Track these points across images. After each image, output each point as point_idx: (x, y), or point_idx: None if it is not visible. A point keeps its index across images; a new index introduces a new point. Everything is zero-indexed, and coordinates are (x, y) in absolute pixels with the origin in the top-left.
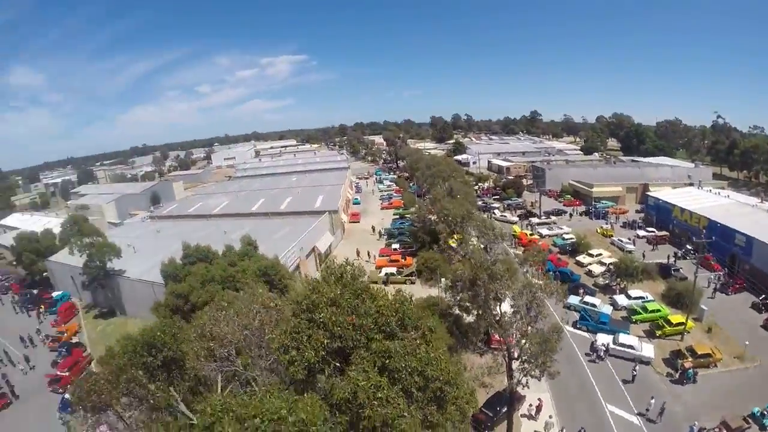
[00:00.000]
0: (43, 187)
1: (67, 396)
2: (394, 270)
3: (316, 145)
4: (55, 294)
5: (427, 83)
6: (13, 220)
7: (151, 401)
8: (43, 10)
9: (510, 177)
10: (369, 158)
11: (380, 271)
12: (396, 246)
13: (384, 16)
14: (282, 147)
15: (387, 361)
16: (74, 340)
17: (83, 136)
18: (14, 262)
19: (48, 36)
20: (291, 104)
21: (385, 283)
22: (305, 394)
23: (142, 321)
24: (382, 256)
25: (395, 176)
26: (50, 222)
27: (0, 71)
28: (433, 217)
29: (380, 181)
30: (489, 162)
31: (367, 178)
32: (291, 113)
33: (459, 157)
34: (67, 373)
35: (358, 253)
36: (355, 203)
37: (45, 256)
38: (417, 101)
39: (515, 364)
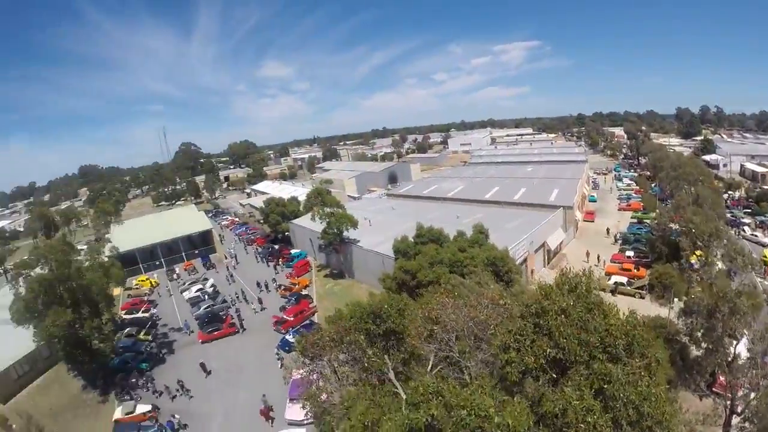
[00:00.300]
0: (291, 160)
1: (288, 337)
2: (624, 279)
3: (553, 135)
4: (293, 251)
5: (670, 68)
6: (264, 186)
7: (366, 364)
8: (286, 10)
9: (766, 187)
10: (608, 152)
11: (609, 278)
12: (630, 253)
13: None
14: (518, 135)
15: (605, 386)
16: (303, 292)
17: (328, 119)
18: (262, 221)
19: (292, 34)
20: (526, 92)
21: (613, 292)
22: (514, 398)
23: (367, 287)
24: (614, 262)
25: (635, 174)
26: (296, 191)
27: (255, 66)
28: (675, 227)
29: (619, 179)
30: (741, 166)
31: (605, 174)
32: (526, 100)
33: (707, 158)
34: (291, 318)
35: (587, 255)
36: (590, 200)
37: (288, 219)
38: (659, 89)
39: (735, 420)
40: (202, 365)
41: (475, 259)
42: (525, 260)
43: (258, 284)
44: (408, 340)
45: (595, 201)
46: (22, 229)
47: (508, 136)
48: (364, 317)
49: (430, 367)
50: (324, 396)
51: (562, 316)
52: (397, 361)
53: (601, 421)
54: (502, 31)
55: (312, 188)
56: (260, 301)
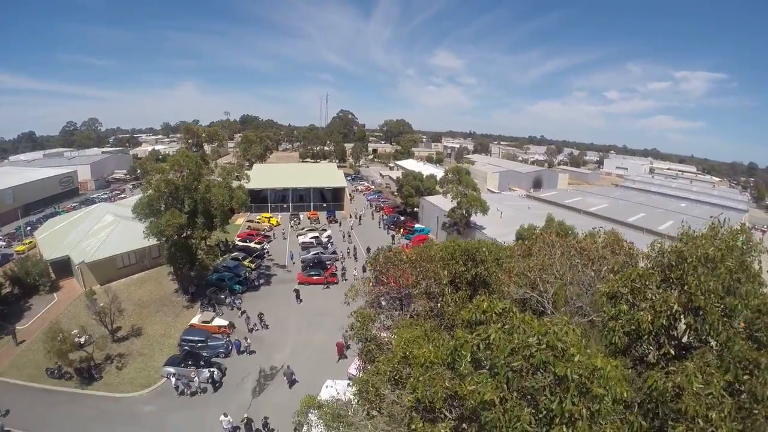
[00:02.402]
0: (441, 147)
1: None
2: None
3: (717, 179)
4: (416, 226)
5: None
6: (408, 163)
7: (439, 304)
8: (468, 3)
9: None
10: None
11: None
12: None
13: None
14: (679, 171)
15: (746, 377)
16: None
17: (488, 117)
18: (395, 192)
19: (469, 28)
20: (701, 128)
21: None
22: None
23: None
24: None
25: None
26: (437, 172)
27: (428, 53)
28: None
29: None
30: None
31: (764, 232)
32: (699, 137)
33: None
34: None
35: None
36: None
37: (421, 194)
38: None
39: None
40: (296, 291)
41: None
42: None
43: (368, 250)
44: (497, 286)
45: None
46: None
47: (669, 169)
48: (456, 255)
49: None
50: (378, 325)
51: (705, 266)
52: None
53: (728, 424)
54: (687, 56)
55: (452, 166)
56: (364, 269)
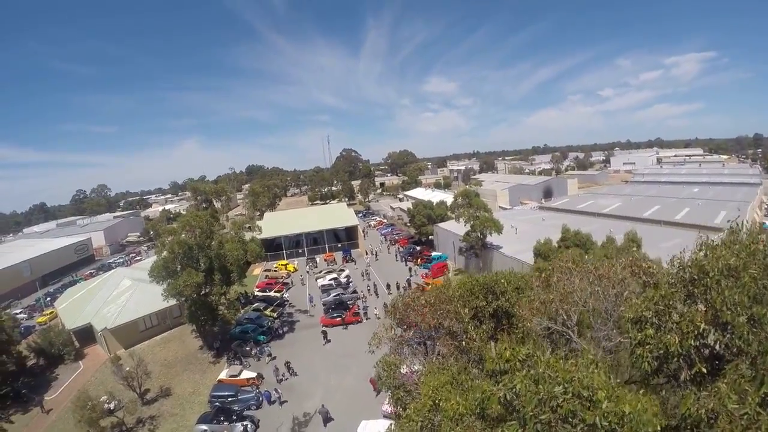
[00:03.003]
0: (447, 171)
1: None
2: None
3: (725, 157)
4: (434, 254)
5: None
6: (417, 192)
7: (464, 344)
8: (452, 28)
9: None
10: None
11: None
12: None
13: None
14: (686, 156)
15: None
16: None
17: (488, 135)
18: (408, 223)
19: (457, 51)
20: (698, 109)
21: None
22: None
23: None
24: None
25: None
26: (446, 197)
27: (420, 81)
28: None
29: None
30: None
31: None
32: (698, 119)
33: None
34: None
35: None
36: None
37: (434, 222)
38: None
39: None
40: (324, 333)
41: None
42: None
43: (388, 286)
44: (519, 313)
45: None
46: (184, 212)
47: (675, 156)
48: (475, 290)
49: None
50: (404, 369)
51: (731, 278)
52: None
53: None
54: (674, 42)
55: (460, 189)
56: (385, 307)
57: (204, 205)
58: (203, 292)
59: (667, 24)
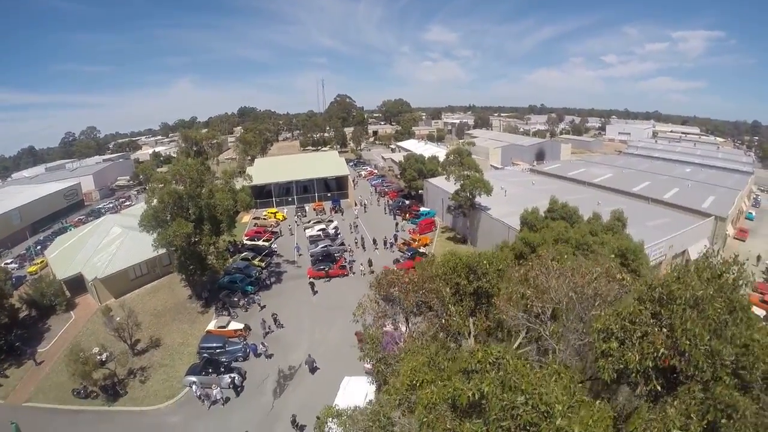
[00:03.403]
0: (442, 124)
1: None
2: (762, 314)
3: (721, 140)
4: (422, 209)
5: None
6: (409, 144)
7: (443, 320)
8: None
9: None
10: None
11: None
12: None
13: None
14: (682, 133)
15: (723, 421)
16: (421, 249)
17: (486, 89)
18: (399, 175)
19: (460, 0)
20: (701, 87)
21: None
22: (597, 402)
23: None
24: (755, 292)
25: None
26: (438, 151)
27: (421, 29)
28: None
29: None
30: None
31: None
32: (699, 97)
33: None
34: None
35: None
36: (747, 218)
37: (425, 177)
38: None
39: None
40: (311, 284)
41: (605, 246)
42: (659, 264)
43: (374, 242)
44: (497, 303)
45: (752, 219)
46: (175, 155)
47: (671, 132)
48: (458, 269)
49: (516, 345)
50: (389, 327)
51: (691, 309)
52: (480, 327)
53: None
54: (684, 16)
55: (453, 147)
56: (370, 263)
57: (194, 149)
58: (193, 241)
59: None
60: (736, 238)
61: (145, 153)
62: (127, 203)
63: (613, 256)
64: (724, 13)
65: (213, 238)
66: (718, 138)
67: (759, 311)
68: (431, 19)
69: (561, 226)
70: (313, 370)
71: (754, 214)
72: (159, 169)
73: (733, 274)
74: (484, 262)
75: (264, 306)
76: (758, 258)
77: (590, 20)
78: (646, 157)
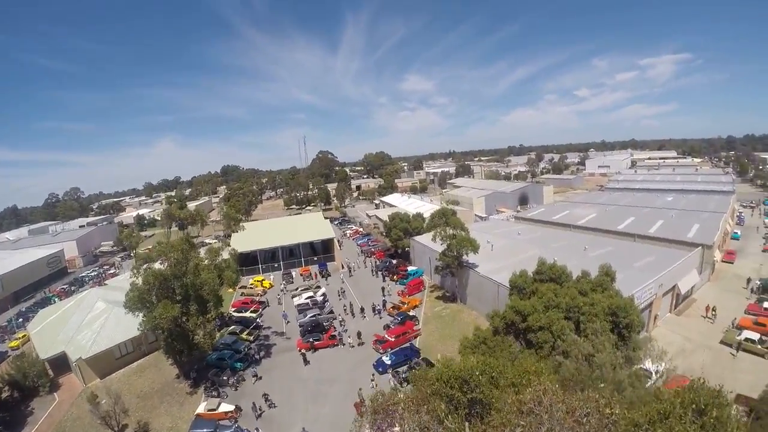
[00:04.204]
0: (423, 174)
1: (384, 358)
2: (756, 336)
3: (698, 160)
4: (410, 268)
5: None
6: (393, 198)
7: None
8: (431, 25)
9: None
10: (758, 182)
11: (740, 333)
12: None
13: None
14: (660, 158)
15: None
16: (411, 312)
17: (465, 133)
18: (384, 234)
19: (436, 49)
20: (672, 110)
21: (737, 348)
22: None
23: (476, 314)
24: (749, 313)
25: None
26: (423, 206)
27: (398, 80)
28: None
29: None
30: None
31: (753, 207)
32: (672, 119)
33: None
34: (392, 339)
35: (707, 311)
36: (734, 238)
37: (411, 235)
38: None
39: None
40: (303, 355)
41: (596, 307)
42: (651, 304)
43: (362, 310)
44: (495, 416)
45: (738, 239)
46: (159, 219)
47: (649, 159)
48: (451, 381)
49: None
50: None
51: None
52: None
53: None
54: (650, 43)
55: (438, 207)
56: (359, 335)
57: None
58: (179, 322)
59: (643, 26)
60: (724, 261)
61: (129, 215)
62: (111, 271)
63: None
64: (690, 34)
65: (200, 318)
66: (695, 159)
67: (752, 334)
68: (407, 69)
69: (550, 290)
70: None
71: (739, 233)
72: (142, 246)
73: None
74: (477, 373)
75: (260, 377)
76: (748, 281)
77: (561, 57)
78: (628, 190)
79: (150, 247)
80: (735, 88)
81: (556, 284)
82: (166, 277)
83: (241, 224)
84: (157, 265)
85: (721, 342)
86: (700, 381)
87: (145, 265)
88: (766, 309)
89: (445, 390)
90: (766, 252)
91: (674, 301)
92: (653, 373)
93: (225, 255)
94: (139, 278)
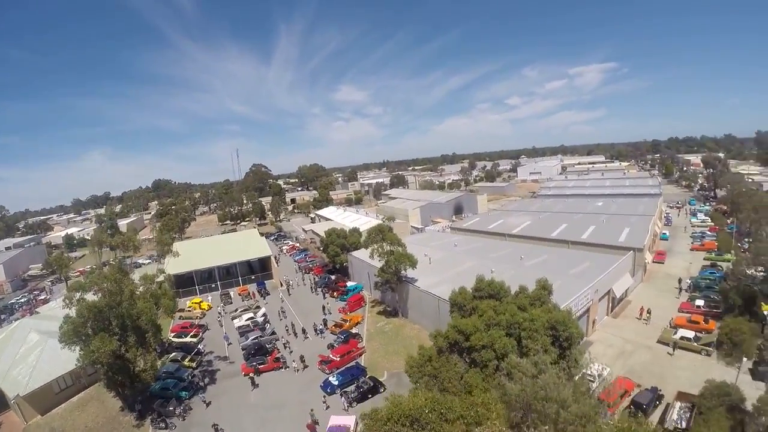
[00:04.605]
0: (358, 185)
1: (331, 378)
2: (691, 334)
3: (626, 164)
4: (349, 284)
5: (751, 88)
6: (329, 212)
7: None
8: (365, 36)
9: None
10: (683, 182)
11: (675, 332)
12: (700, 303)
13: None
14: (589, 163)
15: None
16: (354, 330)
17: (399, 143)
18: (321, 249)
19: (370, 59)
20: (601, 116)
21: (674, 346)
22: None
23: (419, 327)
24: (682, 312)
25: (711, 209)
26: (359, 219)
27: (331, 90)
28: (752, 273)
29: (694, 214)
30: None
31: (679, 208)
32: (601, 125)
33: None
34: (337, 359)
35: (641, 313)
36: (662, 238)
37: (348, 251)
38: (738, 111)
39: None
40: (251, 379)
41: (535, 322)
42: (588, 310)
43: (304, 331)
44: None
45: (667, 239)
46: (89, 238)
47: (579, 164)
48: (402, 420)
49: None
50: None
51: None
52: None
53: None
54: (579, 53)
55: (375, 221)
56: (302, 359)
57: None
58: (118, 355)
59: (570, 36)
60: (655, 262)
61: (57, 235)
62: (42, 296)
63: (545, 329)
64: (615, 45)
65: (140, 349)
66: (623, 162)
67: (687, 332)
68: (341, 80)
69: (490, 307)
70: None
71: (668, 233)
72: (73, 268)
73: None
74: (426, 411)
75: (209, 402)
76: (679, 281)
77: (493, 67)
78: (560, 196)
79: (81, 269)
80: (658, 94)
81: (496, 300)
82: (100, 308)
83: (174, 249)
84: (90, 296)
85: (659, 341)
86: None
87: (78, 295)
88: (698, 307)
89: (397, 428)
90: (695, 251)
91: (610, 305)
92: (597, 377)
93: (160, 277)
94: (73, 310)
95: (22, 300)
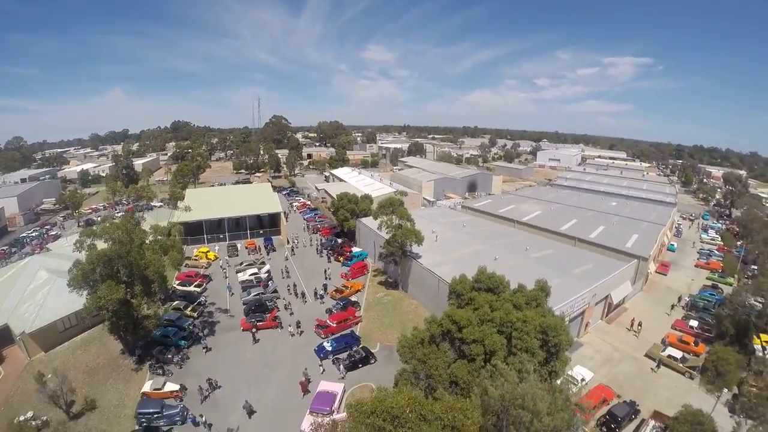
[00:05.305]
0: (376, 148)
1: (325, 344)
2: (679, 354)
3: (646, 165)
4: (354, 250)
5: None
6: (343, 172)
7: None
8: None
9: None
10: (700, 195)
11: (664, 349)
12: (694, 323)
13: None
14: (610, 158)
15: None
16: (353, 298)
17: (422, 108)
18: (332, 211)
19: (400, 21)
20: (628, 110)
21: (658, 364)
22: None
23: (417, 303)
24: (675, 329)
25: (723, 227)
26: (372, 184)
27: (359, 48)
28: (751, 302)
29: (705, 229)
30: None
31: (691, 220)
32: (627, 120)
33: None
34: (334, 325)
35: (631, 324)
36: (669, 249)
37: (358, 217)
38: None
39: None
40: (252, 334)
41: (528, 324)
42: (583, 313)
43: (303, 294)
44: None
45: (674, 250)
46: (104, 175)
47: (600, 157)
48: (383, 415)
49: None
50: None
51: None
52: None
53: None
54: (615, 43)
55: (387, 190)
56: (298, 325)
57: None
58: (124, 302)
59: (609, 25)
60: (658, 272)
61: (73, 170)
62: (53, 232)
63: (536, 332)
64: (654, 40)
65: (145, 299)
66: (644, 163)
67: (675, 352)
68: (370, 39)
69: (486, 302)
70: (250, 413)
71: (675, 245)
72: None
73: None
74: (407, 411)
75: (210, 348)
76: (679, 299)
77: (525, 45)
78: (575, 189)
79: (93, 207)
80: (689, 97)
81: (494, 294)
82: (110, 257)
83: (185, 204)
84: (101, 243)
85: (646, 355)
86: None
87: (89, 241)
88: (691, 327)
89: (378, 423)
90: (699, 268)
91: (606, 310)
92: (579, 380)
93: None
94: (83, 254)
95: (34, 234)
